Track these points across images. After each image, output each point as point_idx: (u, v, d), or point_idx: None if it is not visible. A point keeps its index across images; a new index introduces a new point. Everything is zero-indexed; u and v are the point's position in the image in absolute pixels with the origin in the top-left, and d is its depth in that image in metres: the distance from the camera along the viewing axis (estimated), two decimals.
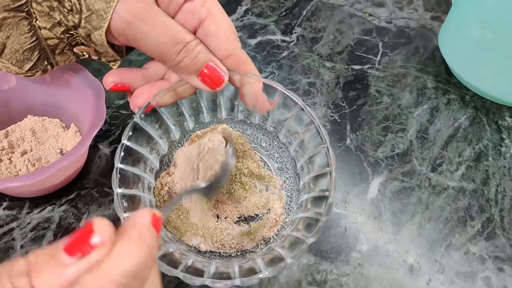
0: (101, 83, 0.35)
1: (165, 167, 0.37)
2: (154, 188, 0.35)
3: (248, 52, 0.52)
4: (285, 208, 0.37)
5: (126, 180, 0.32)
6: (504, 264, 0.36)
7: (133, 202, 0.31)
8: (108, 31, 0.29)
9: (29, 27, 0.30)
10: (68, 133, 0.40)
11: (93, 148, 0.41)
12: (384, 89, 0.49)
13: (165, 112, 0.35)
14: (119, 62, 0.34)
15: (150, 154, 0.35)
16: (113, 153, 0.41)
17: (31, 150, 0.39)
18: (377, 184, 0.41)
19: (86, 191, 0.39)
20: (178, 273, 0.28)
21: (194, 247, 0.34)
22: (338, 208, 0.39)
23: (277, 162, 0.39)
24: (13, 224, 0.36)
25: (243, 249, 0.35)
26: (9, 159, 0.38)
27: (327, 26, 0.55)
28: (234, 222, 0.36)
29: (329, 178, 0.32)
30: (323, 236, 0.37)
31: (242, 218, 0.36)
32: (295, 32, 0.54)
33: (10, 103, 0.40)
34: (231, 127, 0.39)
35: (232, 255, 0.34)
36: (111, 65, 0.34)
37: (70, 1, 0.28)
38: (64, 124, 0.42)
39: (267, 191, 0.38)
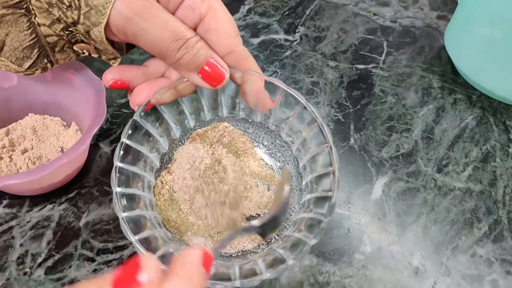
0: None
1: (165, 166, 0.36)
2: (154, 187, 0.35)
3: (251, 51, 0.51)
4: None
5: (125, 179, 0.31)
6: None
7: (132, 201, 0.31)
8: (107, 27, 0.29)
9: (28, 24, 0.30)
10: (69, 132, 0.40)
11: (94, 147, 0.41)
12: (389, 88, 0.48)
13: (166, 110, 0.34)
14: (119, 60, 0.33)
15: (150, 153, 0.34)
16: (114, 152, 0.41)
17: (31, 148, 0.39)
18: (381, 184, 0.40)
19: (86, 190, 0.38)
20: None
21: None
22: (341, 208, 0.38)
23: (279, 161, 0.38)
24: (13, 222, 0.36)
25: (244, 250, 0.34)
26: (10, 157, 0.38)
27: (331, 25, 0.55)
28: None
29: (332, 178, 0.31)
30: (326, 237, 0.37)
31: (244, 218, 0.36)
32: (298, 31, 0.54)
33: (11, 101, 0.40)
34: (232, 125, 0.38)
35: (233, 255, 0.34)
36: (111, 63, 0.33)
37: None
38: (65, 123, 0.41)
39: (268, 190, 0.37)
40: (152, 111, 0.33)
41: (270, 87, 0.34)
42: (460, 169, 0.41)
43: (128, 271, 0.18)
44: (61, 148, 0.39)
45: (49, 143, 0.39)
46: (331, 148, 0.32)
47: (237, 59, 0.32)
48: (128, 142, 0.32)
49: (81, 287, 0.18)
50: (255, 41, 0.53)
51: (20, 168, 0.37)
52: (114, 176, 0.30)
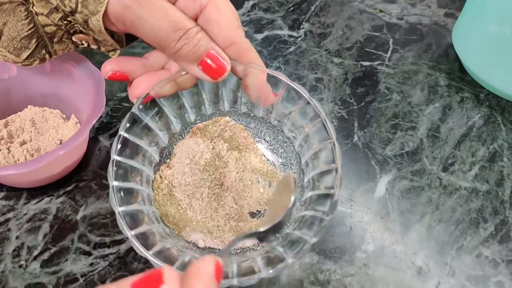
0: None
1: (165, 160, 0.36)
2: (153, 181, 0.34)
3: (255, 47, 0.50)
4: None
5: (123, 172, 0.30)
6: None
7: (130, 196, 0.30)
8: (105, 16, 0.28)
9: (26, 13, 0.29)
10: (68, 124, 0.40)
11: (93, 140, 0.41)
12: (394, 86, 0.47)
13: (165, 104, 0.34)
14: (118, 52, 0.33)
15: (149, 147, 0.34)
16: None
17: (30, 141, 0.38)
18: (385, 182, 0.39)
19: (85, 183, 0.38)
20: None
21: (193, 243, 0.33)
22: (344, 206, 0.38)
23: (281, 157, 0.37)
24: (10, 215, 0.36)
25: (243, 247, 0.33)
26: (8, 149, 0.37)
27: (336, 22, 0.54)
28: None
29: (335, 175, 0.30)
30: (327, 234, 0.36)
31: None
32: (302, 28, 0.53)
33: (10, 92, 0.40)
34: (234, 119, 0.37)
35: (232, 252, 0.33)
36: (110, 55, 0.33)
37: None
38: (64, 115, 0.41)
39: (270, 187, 0.36)
40: (152, 104, 0.33)
41: (272, 81, 0.33)
42: (466, 168, 0.40)
43: (148, 280, 0.18)
44: (60, 140, 0.39)
45: (48, 136, 0.39)
46: (334, 145, 0.31)
47: (238, 51, 0.31)
48: (126, 135, 0.31)
49: None
50: (259, 36, 0.52)
51: (18, 160, 0.36)
52: (111, 169, 0.29)
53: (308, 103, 0.33)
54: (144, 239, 0.28)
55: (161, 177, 0.35)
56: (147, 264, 0.34)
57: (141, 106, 0.32)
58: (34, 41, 0.31)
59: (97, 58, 0.44)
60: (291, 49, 0.50)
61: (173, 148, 0.36)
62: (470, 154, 0.41)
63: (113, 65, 0.32)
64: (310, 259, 0.35)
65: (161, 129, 0.35)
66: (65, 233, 0.35)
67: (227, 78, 0.32)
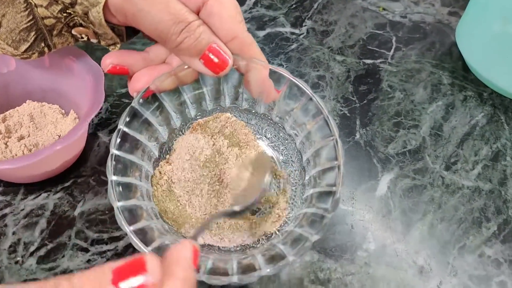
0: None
1: (164, 156, 0.35)
2: (152, 177, 0.34)
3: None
4: (289, 203, 0.35)
5: (122, 167, 0.30)
6: None
7: (129, 191, 0.30)
8: (106, 8, 0.28)
9: (25, 4, 0.29)
10: (67, 120, 0.39)
11: (92, 136, 0.40)
12: (397, 84, 0.47)
13: (166, 98, 0.33)
14: (118, 46, 0.32)
15: (149, 142, 0.33)
16: None
17: (28, 136, 0.38)
18: (386, 181, 0.39)
19: (83, 179, 0.37)
20: None
21: None
22: (345, 204, 0.37)
23: (282, 154, 0.37)
24: (6, 210, 0.35)
25: (243, 244, 0.33)
26: (5, 144, 0.37)
27: (339, 20, 0.53)
28: None
29: (337, 172, 0.30)
30: (328, 232, 0.35)
31: None
32: (305, 25, 0.53)
33: (9, 87, 0.39)
34: (235, 116, 0.37)
35: (232, 250, 0.33)
36: (110, 49, 0.32)
37: None
38: (63, 111, 0.40)
39: (270, 184, 0.36)
40: (152, 99, 0.32)
41: (275, 77, 0.33)
42: (469, 167, 0.40)
43: (132, 268, 0.18)
44: (59, 136, 0.38)
45: (46, 131, 0.38)
46: (336, 141, 0.31)
47: (241, 46, 0.30)
48: (125, 129, 0.31)
49: (78, 280, 0.17)
50: (261, 33, 0.51)
51: (16, 155, 0.36)
52: (109, 164, 0.29)
53: (311, 99, 0.32)
54: (142, 235, 0.28)
55: (160, 172, 0.34)
56: None
57: (141, 100, 0.31)
58: (33, 33, 0.30)
59: (97, 54, 0.44)
60: (293, 46, 0.50)
61: (172, 144, 0.36)
62: (473, 153, 0.41)
63: (113, 59, 0.31)
64: (311, 258, 0.34)
65: (161, 124, 0.34)
66: (62, 229, 0.35)
67: (228, 74, 0.31)
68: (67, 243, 0.34)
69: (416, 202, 0.38)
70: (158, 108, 0.33)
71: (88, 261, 0.33)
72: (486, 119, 0.44)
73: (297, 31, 0.52)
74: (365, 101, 0.45)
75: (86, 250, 0.33)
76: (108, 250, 0.34)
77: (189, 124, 0.36)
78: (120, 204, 0.28)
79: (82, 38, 0.32)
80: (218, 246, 0.33)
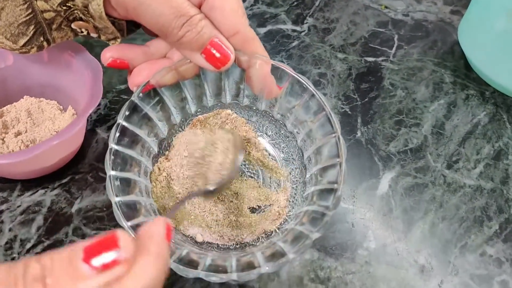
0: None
1: (163, 152, 0.35)
2: (151, 173, 0.33)
3: None
4: (289, 201, 0.34)
5: (121, 162, 0.30)
6: None
7: (127, 186, 0.29)
8: (106, 1, 0.27)
9: None
10: (65, 116, 0.39)
11: (91, 132, 0.40)
12: (399, 82, 0.46)
13: (166, 93, 0.33)
14: (119, 40, 0.32)
15: (148, 137, 0.33)
16: None
17: (25, 132, 0.37)
18: (388, 179, 0.38)
19: (81, 175, 0.37)
20: (171, 263, 0.26)
21: (191, 237, 0.32)
22: (346, 203, 0.37)
23: (283, 152, 0.37)
24: (3, 207, 0.35)
25: (242, 242, 0.33)
26: (2, 139, 0.36)
27: (341, 17, 0.53)
28: None
29: (339, 169, 0.30)
30: (329, 231, 0.35)
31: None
32: (306, 22, 0.52)
33: (6, 82, 0.39)
34: (235, 112, 0.37)
35: (231, 247, 0.32)
36: (110, 44, 0.32)
37: None
38: (61, 107, 0.40)
39: (271, 182, 0.35)
40: (152, 93, 0.32)
41: (276, 73, 0.32)
42: (471, 166, 0.40)
43: (104, 245, 0.17)
44: (56, 132, 0.38)
45: (44, 127, 0.38)
46: (338, 138, 0.30)
47: (243, 41, 0.30)
48: (125, 123, 0.30)
49: (48, 260, 0.17)
50: (262, 30, 0.51)
51: (12, 150, 0.35)
52: (108, 158, 0.29)
53: (313, 95, 0.32)
54: None
55: (159, 169, 0.34)
56: None
57: (141, 94, 0.31)
58: (32, 27, 0.30)
59: (96, 50, 0.43)
60: (294, 44, 0.50)
61: (172, 140, 0.35)
62: (475, 152, 0.41)
63: (113, 52, 0.31)
64: (311, 256, 0.34)
65: (161, 119, 0.34)
66: (59, 226, 0.34)
67: (230, 69, 0.31)
68: (64, 240, 0.33)
69: (417, 200, 0.37)
70: (159, 103, 0.33)
71: None
72: (488, 118, 0.43)
73: (298, 28, 0.51)
74: (366, 99, 0.44)
75: None
76: None
77: (189, 120, 0.36)
78: (118, 199, 0.28)
79: (82, 32, 0.32)
80: (217, 244, 0.32)
